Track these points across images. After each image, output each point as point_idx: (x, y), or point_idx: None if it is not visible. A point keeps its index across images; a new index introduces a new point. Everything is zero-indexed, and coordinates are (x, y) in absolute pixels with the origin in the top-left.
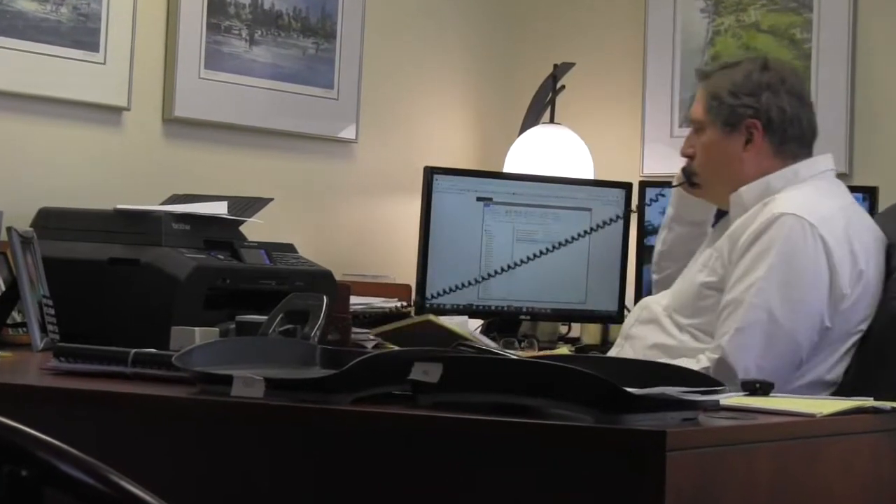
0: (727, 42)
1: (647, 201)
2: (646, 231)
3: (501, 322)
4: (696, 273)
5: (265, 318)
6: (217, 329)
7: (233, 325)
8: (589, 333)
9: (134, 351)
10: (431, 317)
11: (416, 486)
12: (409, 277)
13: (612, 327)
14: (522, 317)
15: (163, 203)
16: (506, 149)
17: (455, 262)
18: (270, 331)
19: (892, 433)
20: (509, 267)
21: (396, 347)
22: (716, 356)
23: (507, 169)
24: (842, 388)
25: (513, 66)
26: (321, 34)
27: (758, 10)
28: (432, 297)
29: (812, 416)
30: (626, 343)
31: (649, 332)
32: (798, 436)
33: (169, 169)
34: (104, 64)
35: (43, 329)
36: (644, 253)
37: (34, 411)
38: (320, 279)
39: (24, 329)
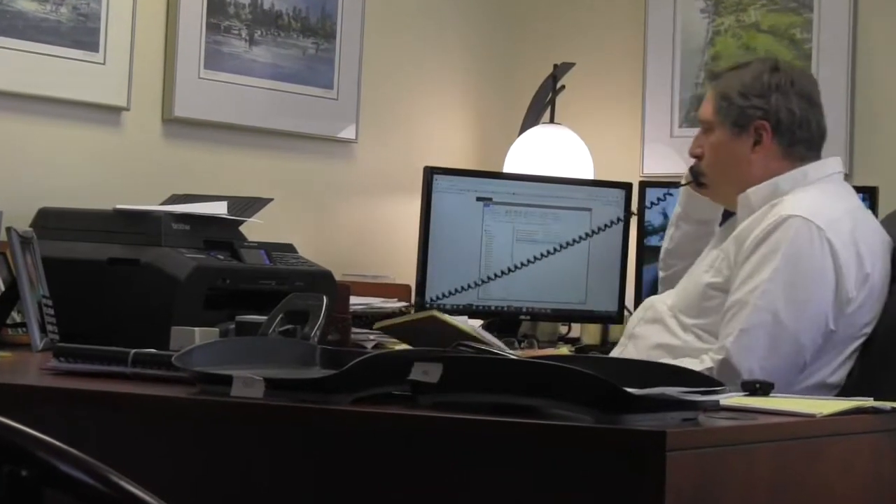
0: (727, 42)
1: (648, 204)
2: (646, 231)
3: (501, 322)
4: (701, 273)
5: (265, 318)
6: (217, 329)
7: (233, 326)
8: (589, 334)
9: (134, 351)
10: (436, 312)
11: (415, 487)
12: (409, 277)
13: (612, 327)
14: (522, 317)
15: (162, 203)
16: (506, 149)
17: (455, 262)
18: (270, 331)
19: (893, 433)
20: (510, 269)
21: (400, 343)
22: (720, 357)
23: (507, 169)
24: (845, 391)
25: (513, 66)
26: (321, 34)
27: (758, 10)
28: (432, 297)
29: (812, 416)
30: (630, 342)
31: (654, 331)
32: (798, 436)
33: (169, 169)
34: (104, 64)
35: (42, 329)
36: (644, 253)
37: (34, 411)
38: (320, 279)
39: (24, 329)
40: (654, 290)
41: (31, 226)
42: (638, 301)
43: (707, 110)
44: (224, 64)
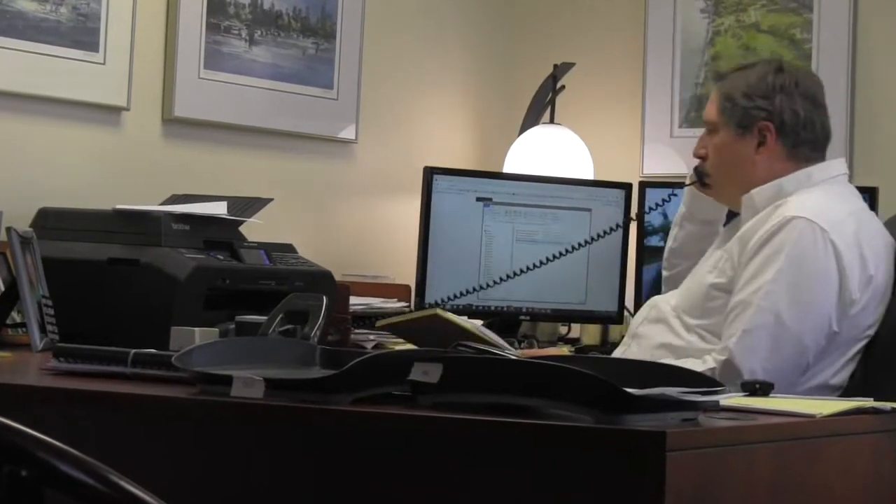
0: (727, 42)
1: (653, 205)
2: (646, 232)
3: (501, 322)
4: (705, 274)
5: (265, 318)
6: (217, 329)
7: (232, 326)
8: (589, 334)
9: (133, 351)
10: (439, 311)
11: (415, 487)
12: (409, 278)
13: (612, 328)
14: (522, 317)
15: (162, 203)
16: (506, 149)
17: (455, 262)
18: (270, 331)
19: (893, 433)
20: (511, 276)
21: (401, 341)
22: (722, 358)
23: (506, 169)
24: (847, 393)
25: (513, 66)
26: (321, 34)
27: (758, 11)
28: (432, 297)
29: (812, 416)
30: (633, 342)
31: (657, 331)
32: (798, 436)
33: (168, 169)
34: (104, 64)
35: (42, 329)
36: (644, 254)
37: (34, 411)
38: (320, 279)
39: (24, 329)
40: (654, 291)
41: (30, 226)
42: (638, 301)
43: (711, 111)
44: (224, 64)
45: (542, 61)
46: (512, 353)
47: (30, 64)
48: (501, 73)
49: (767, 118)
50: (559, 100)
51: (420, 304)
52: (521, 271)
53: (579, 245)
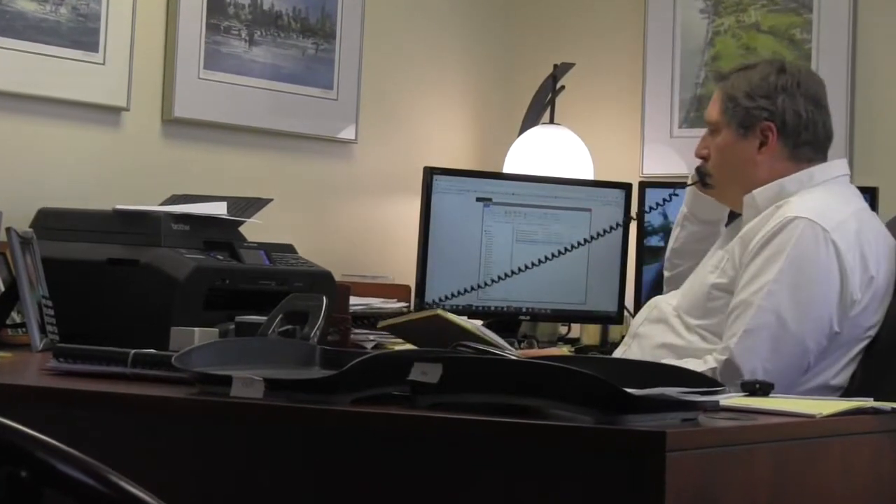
0: (727, 43)
1: (653, 205)
2: (646, 232)
3: (501, 322)
4: (706, 274)
5: (265, 318)
6: (216, 330)
7: (232, 326)
8: (588, 334)
9: (133, 351)
10: (440, 311)
11: (415, 487)
12: (409, 278)
13: (612, 328)
14: (522, 317)
15: (162, 203)
16: (506, 149)
17: (455, 262)
18: (270, 331)
19: (893, 434)
20: (512, 273)
21: (402, 342)
22: (723, 358)
23: (506, 169)
24: (848, 394)
25: (513, 66)
26: (321, 34)
27: (758, 11)
28: (432, 297)
29: (812, 416)
30: (634, 342)
31: (658, 331)
32: (798, 436)
33: (168, 169)
34: (103, 64)
35: (42, 330)
36: (644, 254)
37: (34, 412)
38: (320, 280)
39: (24, 329)
40: (654, 291)
41: (30, 226)
42: (638, 301)
43: (713, 111)
44: (224, 64)
45: (542, 61)
46: (512, 353)
47: (30, 64)
48: (501, 73)
49: (770, 118)
50: (559, 100)
51: (420, 304)
52: (520, 269)
53: (578, 244)
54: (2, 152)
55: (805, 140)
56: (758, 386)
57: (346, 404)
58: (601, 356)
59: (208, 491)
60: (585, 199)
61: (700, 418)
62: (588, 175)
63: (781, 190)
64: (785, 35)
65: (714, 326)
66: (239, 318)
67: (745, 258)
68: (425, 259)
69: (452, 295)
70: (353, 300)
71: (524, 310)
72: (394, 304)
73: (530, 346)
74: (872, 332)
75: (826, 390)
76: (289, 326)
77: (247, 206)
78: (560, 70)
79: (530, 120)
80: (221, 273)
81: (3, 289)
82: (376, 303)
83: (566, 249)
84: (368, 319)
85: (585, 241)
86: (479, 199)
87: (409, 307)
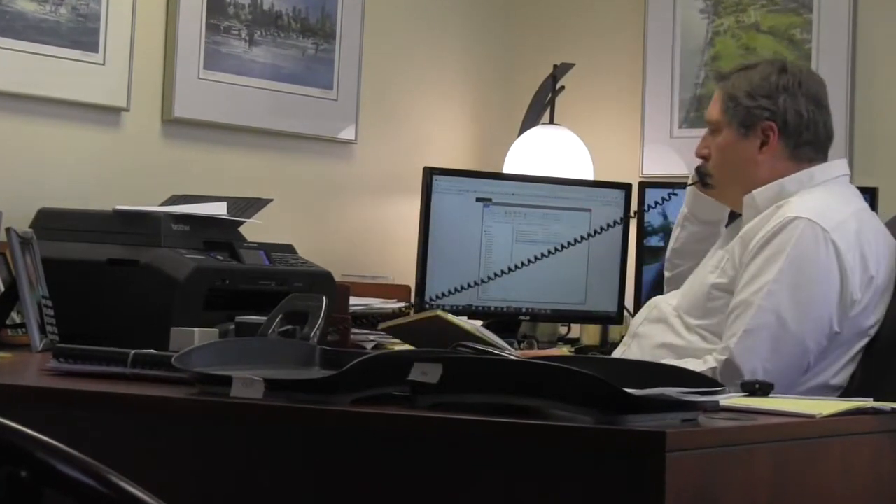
0: (727, 43)
1: (652, 203)
2: (645, 232)
3: (501, 323)
4: (706, 274)
5: (265, 318)
6: (216, 330)
7: (232, 326)
8: (588, 334)
9: (133, 352)
10: (440, 312)
11: (415, 487)
12: (409, 278)
13: (612, 328)
14: (522, 317)
15: (162, 204)
16: (505, 149)
17: (455, 263)
18: (270, 332)
19: (893, 434)
20: (510, 269)
21: (402, 343)
22: (723, 357)
23: (506, 169)
24: (847, 394)
25: (513, 67)
26: (321, 34)
27: (758, 11)
28: (432, 298)
29: (812, 416)
30: (634, 342)
31: (658, 331)
32: (798, 436)
33: (168, 169)
34: (103, 64)
35: (42, 330)
36: (644, 254)
37: (34, 412)
38: (320, 280)
39: (24, 330)
40: (654, 291)
41: (30, 226)
42: (638, 302)
43: (714, 111)
44: (224, 64)
45: (542, 61)
46: (512, 353)
47: (30, 64)
48: (501, 73)
49: (771, 118)
50: (559, 100)
51: (420, 304)
52: (521, 265)
53: (577, 241)
54: (2, 152)
55: (806, 140)
56: (758, 386)
57: (346, 404)
58: (601, 356)
59: (208, 491)
60: (585, 199)
61: (700, 418)
62: (588, 175)
63: (781, 190)
64: (785, 35)
65: (714, 326)
66: (239, 319)
67: (745, 258)
68: (425, 259)
69: (450, 292)
70: (353, 300)
71: (524, 310)
72: (394, 305)
73: (530, 347)
74: (872, 332)
75: (826, 390)
76: (289, 326)
77: (247, 206)
78: (560, 70)
79: (530, 120)
80: (221, 273)
81: (3, 289)
82: (376, 303)
83: (565, 245)
84: (368, 319)
85: (583, 237)
86: (478, 200)
87: (409, 307)
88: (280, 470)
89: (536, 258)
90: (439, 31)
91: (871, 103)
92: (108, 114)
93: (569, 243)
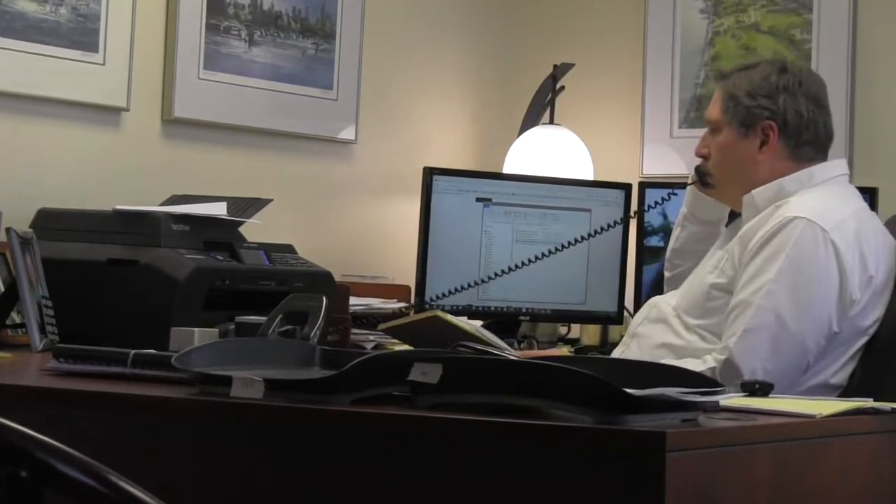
0: (727, 43)
1: (652, 203)
2: (645, 232)
3: (501, 323)
4: (706, 274)
5: (265, 318)
6: (216, 330)
7: (232, 326)
8: (588, 334)
9: (133, 352)
10: (439, 313)
11: (415, 487)
12: (409, 278)
13: (612, 328)
14: (522, 317)
15: (162, 204)
16: (505, 149)
17: (454, 263)
18: (270, 332)
19: (893, 434)
20: (510, 269)
21: (401, 343)
22: (723, 357)
23: (506, 169)
24: (847, 393)
25: (513, 67)
26: (320, 34)
27: (758, 11)
28: (432, 298)
29: (812, 416)
30: (633, 341)
31: (657, 331)
32: (798, 437)
33: (168, 169)
34: (103, 65)
35: (42, 330)
36: (644, 254)
37: (33, 412)
38: (320, 280)
39: (24, 330)
40: (654, 291)
41: (30, 226)
42: (638, 302)
43: (714, 110)
44: (224, 64)
45: (542, 61)
46: (511, 353)
47: (30, 64)
48: (501, 73)
49: (771, 118)
50: (559, 100)
51: (420, 304)
52: (521, 265)
53: (577, 241)
54: (2, 152)
55: (806, 140)
56: (757, 386)
57: (346, 404)
58: (601, 356)
59: (208, 491)
60: (585, 199)
61: (700, 418)
62: (588, 175)
63: (781, 190)
64: (785, 35)
65: (713, 326)
66: (239, 319)
67: (745, 258)
68: (425, 259)
69: (451, 292)
70: (352, 300)
71: (524, 310)
72: (394, 305)
73: (530, 347)
74: (872, 331)
75: (825, 389)
76: (289, 326)
77: (247, 206)
78: (560, 70)
79: (530, 120)
80: (221, 273)
81: (3, 289)
82: (376, 303)
83: (565, 245)
84: (368, 319)
85: (583, 238)
86: (478, 200)
87: (409, 307)
88: (280, 470)
89: (537, 258)
90: (439, 31)
91: (871, 103)
92: (108, 114)
93: (569, 243)
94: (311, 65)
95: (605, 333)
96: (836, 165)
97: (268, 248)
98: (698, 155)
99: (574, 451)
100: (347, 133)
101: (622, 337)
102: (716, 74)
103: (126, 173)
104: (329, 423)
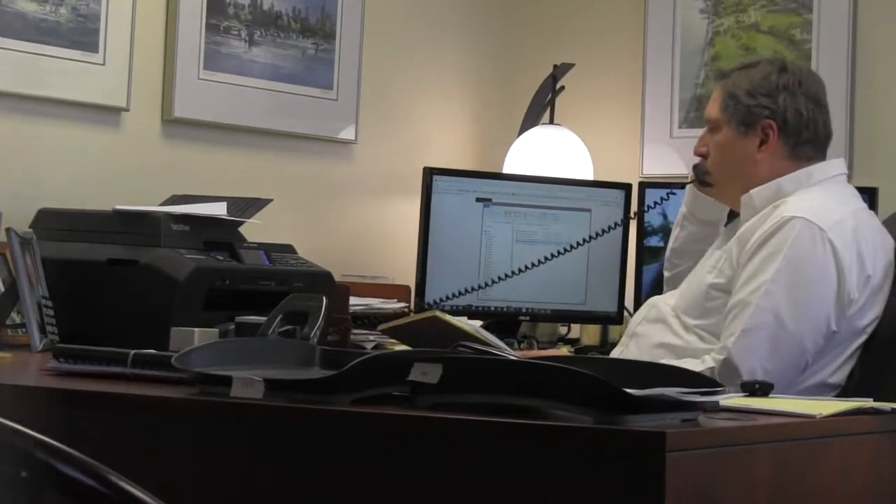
0: (727, 43)
1: (651, 204)
2: (645, 232)
3: (501, 323)
4: (704, 274)
5: (265, 318)
6: (216, 330)
7: (232, 326)
8: (588, 334)
9: (133, 352)
10: (438, 313)
11: (415, 488)
12: (409, 278)
13: (612, 328)
14: (522, 318)
15: (162, 204)
16: (505, 149)
17: (454, 263)
18: (270, 332)
19: (893, 434)
20: (512, 273)
21: (401, 344)
22: (721, 357)
23: (506, 170)
24: (845, 392)
25: (513, 67)
26: (320, 34)
27: (758, 11)
28: (432, 298)
29: (812, 416)
30: (632, 341)
31: (656, 331)
32: (798, 437)
33: (168, 169)
34: (103, 65)
35: (42, 330)
36: (644, 254)
37: (34, 411)
38: (319, 280)
39: (24, 330)
40: (654, 291)
41: (30, 226)
42: (638, 302)
43: (714, 109)
44: (224, 64)
45: (542, 61)
46: (511, 354)
47: (30, 64)
48: (501, 73)
49: (771, 117)
50: (559, 100)
51: (420, 304)
52: (520, 270)
53: (577, 244)
54: (2, 152)
55: (806, 139)
56: (758, 386)
57: (346, 404)
58: (601, 356)
59: (208, 491)
60: (585, 199)
61: (700, 418)
62: (588, 175)
63: (779, 189)
64: (785, 35)
65: (712, 326)
66: (239, 319)
67: (743, 258)
68: (425, 259)
69: (453, 296)
70: (352, 300)
71: (524, 310)
72: (394, 305)
73: (530, 347)
74: (870, 330)
75: (823, 388)
76: (289, 326)
77: (247, 206)
78: (560, 70)
79: (530, 120)
80: (221, 273)
81: (3, 289)
82: (376, 303)
83: (565, 250)
84: (368, 320)
85: (584, 241)
86: (478, 200)
87: (408, 307)
88: (280, 470)
89: (535, 264)
90: (439, 31)
91: (871, 103)
92: (108, 114)
93: (571, 247)
94: (311, 65)
95: (605, 333)
96: (834, 165)
97: (268, 248)
98: (697, 154)
99: (574, 451)
100: (347, 133)
101: (622, 337)
102: (715, 73)
103: (126, 173)
104: (329, 423)
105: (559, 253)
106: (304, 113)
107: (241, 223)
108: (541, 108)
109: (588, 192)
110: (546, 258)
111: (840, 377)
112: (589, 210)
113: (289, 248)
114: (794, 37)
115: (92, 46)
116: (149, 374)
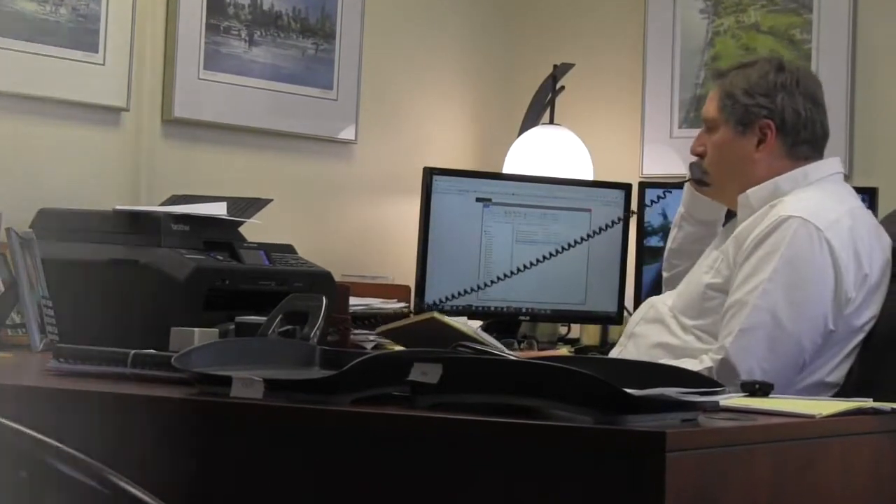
0: (727, 43)
1: (648, 202)
2: (645, 232)
3: (501, 323)
4: (701, 274)
5: (265, 318)
6: (216, 330)
7: (232, 326)
8: (588, 334)
9: (133, 352)
10: (436, 314)
11: (415, 487)
12: (409, 278)
13: (612, 328)
14: (522, 318)
15: (162, 204)
16: (505, 149)
17: (454, 263)
18: (270, 332)
19: (892, 434)
20: (512, 273)
21: (399, 346)
22: (719, 357)
23: (506, 170)
24: (844, 391)
25: (513, 67)
26: (320, 34)
27: (758, 11)
28: (431, 298)
29: (812, 417)
30: (630, 341)
31: (654, 331)
32: (798, 437)
33: (168, 169)
34: (103, 65)
35: (42, 330)
36: (644, 254)
37: (34, 412)
38: (319, 280)
39: (24, 330)
40: (653, 291)
41: (30, 226)
42: (637, 302)
43: (711, 108)
44: (224, 64)
45: (542, 61)
46: (510, 355)
47: (30, 64)
48: (501, 73)
49: (768, 116)
50: (559, 100)
51: (420, 304)
52: (520, 269)
53: (576, 242)
54: (2, 152)
55: (804, 138)
56: (757, 386)
57: (345, 404)
58: (601, 356)
59: (208, 491)
60: (585, 199)
61: (700, 418)
62: (588, 175)
63: (776, 189)
64: (785, 35)
65: (709, 326)
66: (239, 319)
67: (740, 258)
68: (425, 259)
69: (452, 296)
70: (352, 300)
71: (524, 310)
72: (394, 305)
73: (530, 347)
74: (867, 328)
75: (821, 388)
76: (289, 327)
77: (247, 206)
78: (560, 70)
79: (530, 120)
80: (221, 273)
81: (2, 289)
82: (376, 303)
83: (563, 248)
84: (368, 320)
85: (583, 238)
86: (478, 200)
87: (408, 307)
88: (280, 470)
89: (534, 263)
90: (439, 31)
91: (871, 103)
92: (108, 114)
93: (569, 245)
94: (311, 65)
95: (604, 333)
96: (830, 164)
97: (268, 248)
98: (694, 153)
99: (574, 451)
100: (347, 133)
101: (621, 337)
102: (713, 73)
103: (126, 173)
104: (329, 423)
105: (558, 251)
106: (304, 113)
107: (241, 223)
108: (541, 108)
109: (588, 193)
110: (545, 256)
111: (838, 376)
112: (589, 210)
113: (289, 248)
114: (794, 37)
115: (92, 46)
116: (149, 374)
